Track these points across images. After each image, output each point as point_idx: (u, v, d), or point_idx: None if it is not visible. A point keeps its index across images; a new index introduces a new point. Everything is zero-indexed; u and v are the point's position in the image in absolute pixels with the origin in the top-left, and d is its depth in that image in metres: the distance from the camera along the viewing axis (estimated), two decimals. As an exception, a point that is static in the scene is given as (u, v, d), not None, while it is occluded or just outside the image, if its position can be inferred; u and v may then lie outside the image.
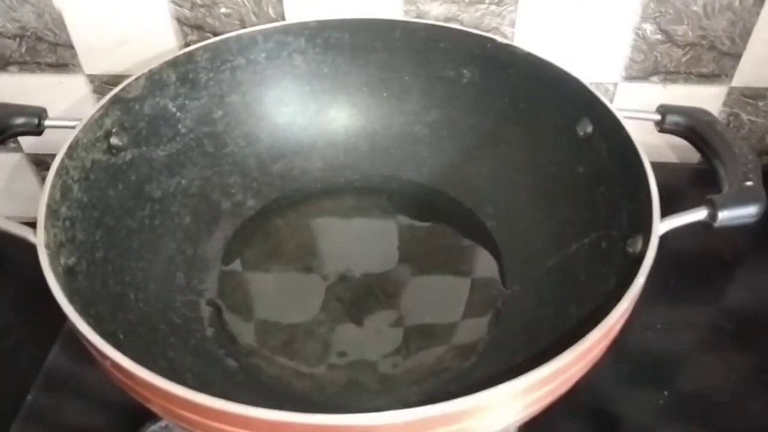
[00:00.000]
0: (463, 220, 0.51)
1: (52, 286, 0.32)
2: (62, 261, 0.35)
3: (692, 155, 0.44)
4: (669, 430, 0.44)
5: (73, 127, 0.40)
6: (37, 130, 0.42)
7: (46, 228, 0.35)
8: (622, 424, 0.45)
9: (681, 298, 0.51)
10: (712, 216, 0.36)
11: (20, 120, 0.42)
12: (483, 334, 0.44)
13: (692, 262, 0.52)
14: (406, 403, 0.28)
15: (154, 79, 0.45)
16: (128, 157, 0.44)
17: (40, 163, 0.66)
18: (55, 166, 0.37)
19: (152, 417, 0.42)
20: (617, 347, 0.34)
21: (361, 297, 0.46)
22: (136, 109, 0.44)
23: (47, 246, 0.34)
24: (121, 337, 0.33)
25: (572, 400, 0.33)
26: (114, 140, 0.42)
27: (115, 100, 0.42)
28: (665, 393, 0.45)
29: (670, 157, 0.60)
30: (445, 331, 0.44)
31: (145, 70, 0.44)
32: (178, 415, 0.31)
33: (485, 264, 0.48)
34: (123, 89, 0.43)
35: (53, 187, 0.37)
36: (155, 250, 0.45)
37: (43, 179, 0.67)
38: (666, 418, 0.44)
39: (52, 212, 0.36)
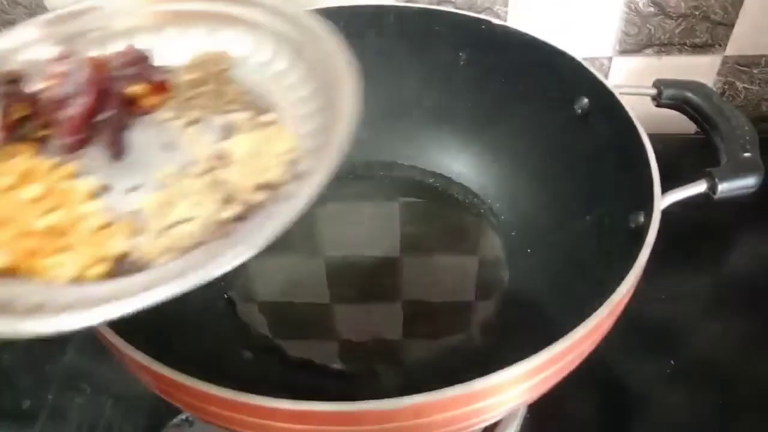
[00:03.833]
0: (465, 202, 0.51)
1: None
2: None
3: (689, 125, 0.45)
4: (676, 398, 0.45)
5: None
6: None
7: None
8: (629, 394, 0.46)
9: (683, 269, 0.52)
10: (712, 188, 0.37)
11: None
12: (491, 313, 0.45)
13: (693, 232, 0.52)
14: (421, 386, 0.29)
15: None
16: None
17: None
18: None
19: (175, 410, 0.43)
20: (623, 319, 0.35)
21: (369, 282, 0.47)
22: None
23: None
24: (141, 336, 0.33)
25: (580, 373, 0.34)
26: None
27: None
28: (671, 362, 0.46)
29: (667, 128, 0.61)
30: (454, 311, 0.45)
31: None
32: (200, 408, 0.32)
33: (490, 244, 0.49)
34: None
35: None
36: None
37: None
38: (673, 387, 0.45)
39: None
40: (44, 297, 0.26)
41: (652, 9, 0.55)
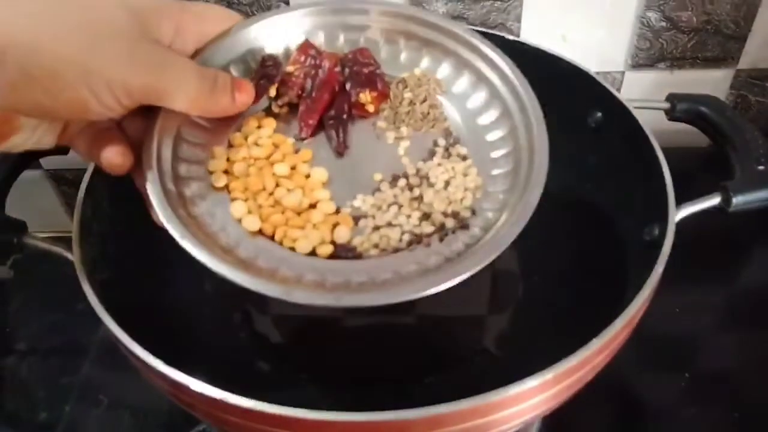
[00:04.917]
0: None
1: (92, 301, 0.33)
2: (97, 275, 0.36)
3: (701, 138, 0.45)
4: (691, 412, 0.45)
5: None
6: (66, 149, 0.43)
7: (80, 245, 0.36)
8: (644, 407, 0.46)
9: (698, 282, 0.51)
10: (726, 201, 0.37)
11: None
12: (506, 324, 0.45)
13: (707, 245, 0.52)
14: (436, 397, 0.29)
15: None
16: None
17: (59, 178, 0.67)
18: (84, 184, 0.38)
19: (192, 421, 0.43)
20: (638, 332, 0.35)
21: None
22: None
23: (83, 262, 0.35)
24: (159, 346, 0.34)
25: (594, 385, 0.34)
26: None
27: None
28: (686, 375, 0.46)
29: (679, 141, 0.61)
30: (468, 324, 0.45)
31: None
32: (218, 418, 0.32)
33: (504, 258, 0.49)
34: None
35: (84, 205, 0.38)
36: (181, 258, 0.46)
37: (62, 194, 0.68)
38: (688, 400, 0.45)
39: (85, 229, 0.37)
40: (279, 263, 0.31)
41: (664, 24, 0.55)
